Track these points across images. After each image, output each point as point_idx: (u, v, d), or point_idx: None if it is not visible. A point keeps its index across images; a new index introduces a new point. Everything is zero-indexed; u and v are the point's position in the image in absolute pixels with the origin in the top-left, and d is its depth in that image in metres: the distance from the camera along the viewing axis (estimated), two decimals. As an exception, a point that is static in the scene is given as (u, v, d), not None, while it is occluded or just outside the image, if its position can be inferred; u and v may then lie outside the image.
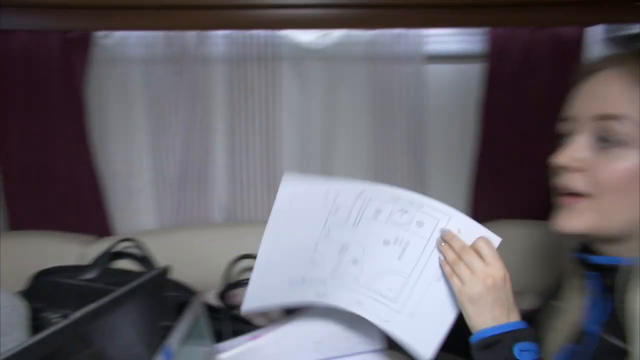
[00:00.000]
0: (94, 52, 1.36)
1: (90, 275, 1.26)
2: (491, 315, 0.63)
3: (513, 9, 1.34)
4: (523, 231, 1.36)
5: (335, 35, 1.41)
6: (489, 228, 0.69)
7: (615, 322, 0.64)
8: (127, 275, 1.30)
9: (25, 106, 1.34)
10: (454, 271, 0.65)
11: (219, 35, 1.39)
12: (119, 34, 1.37)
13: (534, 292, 1.26)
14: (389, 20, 1.37)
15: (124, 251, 1.34)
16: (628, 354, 0.59)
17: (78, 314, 0.54)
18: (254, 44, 1.39)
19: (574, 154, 0.64)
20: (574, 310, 0.72)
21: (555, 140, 0.69)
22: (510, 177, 1.43)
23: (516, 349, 0.61)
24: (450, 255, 0.66)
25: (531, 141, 1.40)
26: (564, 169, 0.65)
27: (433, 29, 1.40)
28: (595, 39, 1.39)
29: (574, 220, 0.64)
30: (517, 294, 0.93)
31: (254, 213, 1.48)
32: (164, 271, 0.86)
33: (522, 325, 0.64)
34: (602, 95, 0.63)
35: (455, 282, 0.65)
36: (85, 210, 1.41)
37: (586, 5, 1.32)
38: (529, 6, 1.34)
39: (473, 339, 0.64)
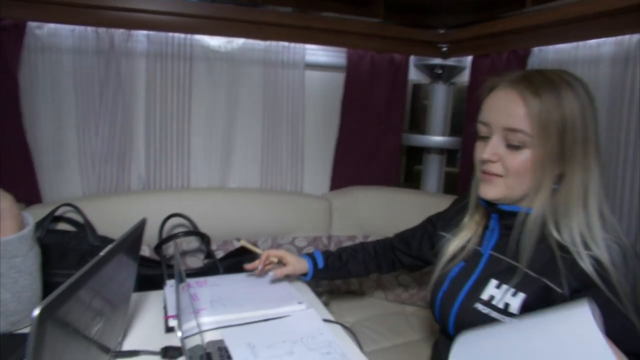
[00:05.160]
0: (27, 40, 1.50)
1: (36, 235, 1.46)
2: None
3: (363, 37, 1.89)
4: (370, 193, 1.96)
5: (238, 42, 1.78)
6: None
7: (503, 246, 0.94)
8: (65, 234, 1.52)
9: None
10: None
11: (142, 34, 1.65)
12: (52, 26, 1.53)
13: (377, 234, 1.87)
14: (279, 35, 1.80)
15: (62, 215, 1.55)
16: (517, 268, 0.89)
17: (93, 260, 0.65)
18: (172, 44, 1.68)
19: (493, 151, 0.90)
20: (471, 238, 1.02)
21: (473, 136, 0.96)
22: (360, 156, 2.01)
23: None
24: None
25: (374, 130, 2.00)
26: (487, 160, 0.91)
27: (311, 44, 1.87)
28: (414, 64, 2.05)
29: (492, 190, 0.92)
30: (367, 236, 1.46)
31: (168, 182, 1.79)
32: (143, 222, 1.02)
33: None
34: (507, 112, 0.88)
35: None
36: (17, 180, 1.55)
37: (409, 41, 1.95)
38: (374, 37, 1.90)
39: None
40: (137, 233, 0.93)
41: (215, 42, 1.75)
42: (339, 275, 1.34)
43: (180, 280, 0.97)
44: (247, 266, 1.27)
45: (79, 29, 1.56)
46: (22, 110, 1.53)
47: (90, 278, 0.66)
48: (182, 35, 1.69)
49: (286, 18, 1.77)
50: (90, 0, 1.52)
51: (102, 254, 0.70)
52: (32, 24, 1.50)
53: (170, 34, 1.67)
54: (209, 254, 1.54)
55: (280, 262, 1.27)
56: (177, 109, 1.74)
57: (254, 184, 1.91)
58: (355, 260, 1.34)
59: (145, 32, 1.64)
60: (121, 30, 1.60)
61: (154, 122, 1.72)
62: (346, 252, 1.35)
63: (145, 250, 1.64)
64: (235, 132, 1.86)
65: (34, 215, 1.50)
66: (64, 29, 1.55)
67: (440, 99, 2.14)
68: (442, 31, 1.96)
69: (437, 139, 2.17)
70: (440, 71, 2.05)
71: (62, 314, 0.60)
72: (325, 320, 1.10)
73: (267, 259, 1.26)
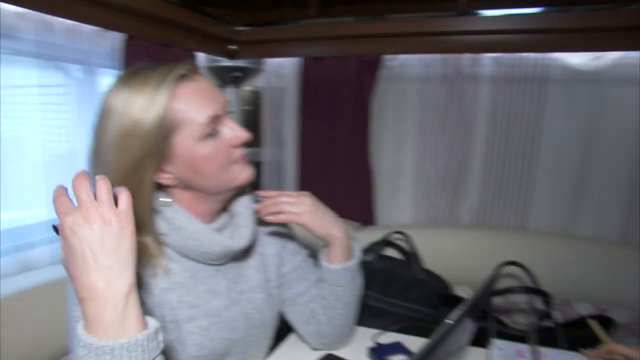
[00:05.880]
0: (381, 72, 1.60)
1: (368, 257, 1.51)
2: None
3: None
4: None
5: (610, 57, 1.43)
6: None
7: None
8: (394, 261, 1.51)
9: (325, 114, 1.65)
10: None
11: (489, 57, 1.52)
12: (402, 57, 1.59)
13: None
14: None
15: (393, 241, 1.56)
16: None
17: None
18: (522, 66, 1.49)
19: None
20: None
21: None
22: None
23: None
24: None
25: None
26: None
27: None
28: None
29: None
30: None
31: (503, 220, 1.60)
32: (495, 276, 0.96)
33: None
34: None
35: None
36: (357, 201, 1.67)
37: None
38: None
39: None
40: (484, 293, 0.79)
41: (576, 59, 1.46)
42: None
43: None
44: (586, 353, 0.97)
45: (425, 57, 1.56)
46: (370, 137, 1.63)
47: (437, 346, 0.54)
48: (535, 55, 1.47)
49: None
50: (438, 27, 1.50)
51: (451, 322, 0.57)
52: (386, 57, 1.58)
53: (521, 54, 1.48)
54: (547, 315, 1.25)
55: None
56: (522, 138, 1.54)
57: (611, 233, 1.50)
58: None
59: (492, 55, 1.51)
60: (468, 55, 1.52)
61: (494, 152, 1.57)
62: None
63: (467, 292, 1.48)
64: (593, 169, 1.51)
65: (367, 237, 1.59)
66: (412, 58, 1.58)
67: None
68: None
69: None
70: None
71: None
72: None
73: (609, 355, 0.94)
